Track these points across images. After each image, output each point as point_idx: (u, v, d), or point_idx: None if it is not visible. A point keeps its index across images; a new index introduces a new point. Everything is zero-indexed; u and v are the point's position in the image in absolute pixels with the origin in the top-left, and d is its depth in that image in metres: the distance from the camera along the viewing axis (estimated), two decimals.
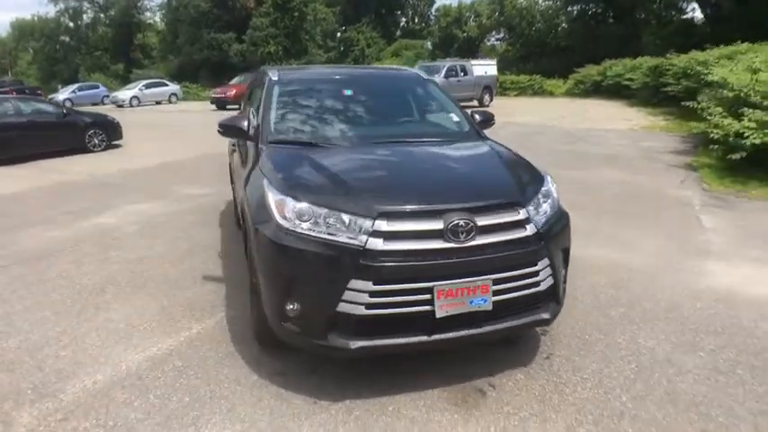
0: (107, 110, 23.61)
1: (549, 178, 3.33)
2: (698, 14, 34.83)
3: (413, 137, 3.97)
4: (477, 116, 4.40)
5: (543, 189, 3.17)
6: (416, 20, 60.95)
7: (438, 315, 2.69)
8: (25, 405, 2.92)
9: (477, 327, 2.82)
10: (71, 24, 58.76)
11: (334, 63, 46.46)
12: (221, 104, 26.44)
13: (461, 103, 4.77)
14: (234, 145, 5.14)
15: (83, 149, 12.76)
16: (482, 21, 49.33)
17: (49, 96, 31.77)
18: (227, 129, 4.02)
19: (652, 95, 20.87)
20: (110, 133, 13.57)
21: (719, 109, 9.37)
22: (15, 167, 10.94)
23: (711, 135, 8.92)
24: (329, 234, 2.72)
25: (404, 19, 61.27)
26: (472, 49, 46.10)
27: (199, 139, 14.54)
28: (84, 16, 58.61)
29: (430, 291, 2.67)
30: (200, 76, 43.94)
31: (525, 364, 3.21)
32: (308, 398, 2.90)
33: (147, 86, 34.27)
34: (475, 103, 23.14)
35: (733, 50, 15.67)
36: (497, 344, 3.36)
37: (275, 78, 4.38)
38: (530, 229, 2.88)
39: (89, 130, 13.03)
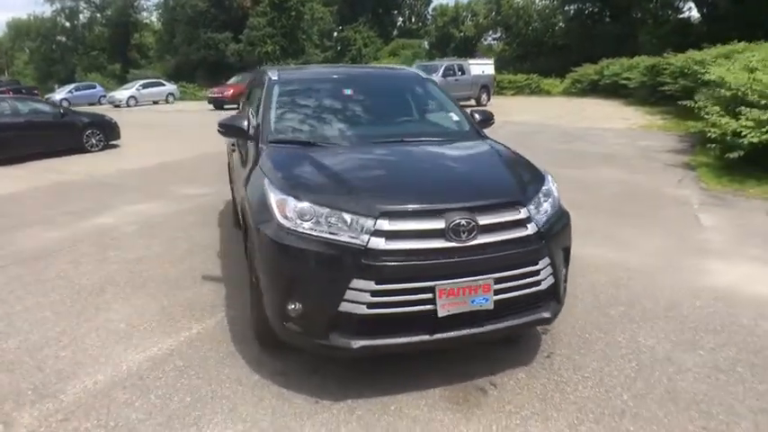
0: (104, 110, 23.55)
1: (549, 177, 3.34)
2: (694, 14, 34.97)
3: (413, 136, 3.96)
4: (476, 115, 4.41)
5: (544, 188, 3.17)
6: (413, 19, 60.93)
7: (440, 314, 2.70)
8: (26, 406, 2.92)
9: (478, 326, 2.82)
10: (67, 24, 58.52)
11: (331, 63, 46.42)
12: (219, 104, 26.39)
13: (459, 103, 4.77)
14: (233, 145, 5.13)
15: (80, 149, 12.74)
16: (479, 20, 49.32)
17: (46, 96, 31.60)
18: (227, 128, 4.02)
19: (649, 95, 20.91)
20: (107, 133, 13.55)
21: (717, 108, 9.41)
22: (13, 167, 10.91)
23: (709, 134, 8.95)
24: (331, 234, 2.72)
25: (401, 18, 61.27)
26: (469, 49, 46.07)
27: (197, 139, 14.53)
28: (81, 16, 58.41)
29: (432, 290, 2.67)
30: (197, 76, 43.83)
31: (526, 363, 3.21)
32: (309, 397, 2.90)
33: (145, 86, 34.18)
34: (472, 102, 23.14)
35: (730, 50, 15.69)
36: (498, 343, 3.36)
37: (275, 78, 4.37)
38: (531, 229, 2.89)
39: (87, 130, 13.01)
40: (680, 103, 12.62)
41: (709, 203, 6.82)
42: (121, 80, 44.44)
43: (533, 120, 17.22)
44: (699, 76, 13.14)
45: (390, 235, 2.67)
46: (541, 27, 42.11)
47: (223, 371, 3.19)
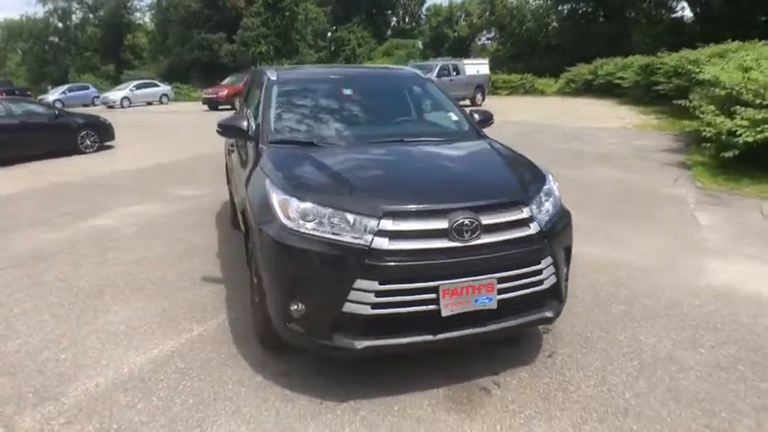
0: (98, 111, 23.49)
1: (550, 177, 3.35)
2: (687, 13, 35.13)
3: (414, 136, 3.96)
4: (476, 115, 4.42)
5: (545, 187, 3.18)
6: (407, 19, 61.00)
7: (443, 314, 2.70)
8: (27, 409, 2.90)
9: (481, 325, 2.82)
10: (60, 25, 58.23)
11: (325, 63, 46.40)
12: (213, 105, 26.37)
13: None
14: (232, 145, 5.11)
15: (75, 151, 12.69)
16: (473, 20, 49.45)
17: (39, 97, 31.52)
18: (226, 129, 4.01)
19: (643, 94, 20.99)
20: (102, 134, 13.48)
21: (712, 107, 9.45)
22: (7, 169, 10.85)
23: (704, 133, 9.00)
24: (334, 234, 2.71)
25: (394, 18, 61.35)
26: (463, 49, 46.21)
27: (192, 140, 14.48)
28: (74, 17, 58.16)
29: (435, 290, 2.67)
30: (190, 77, 43.73)
31: (528, 363, 3.22)
32: (313, 398, 2.90)
33: (138, 87, 34.05)
34: (467, 102, 23.19)
35: (724, 49, 15.77)
36: (500, 343, 3.37)
37: (274, 78, 4.36)
38: (533, 228, 2.89)
39: (81, 132, 12.95)
40: (674, 102, 12.67)
41: (706, 202, 6.86)
42: (115, 81, 44.25)
43: (530, 120, 17.26)
44: (693, 75, 13.20)
45: (394, 235, 2.67)
46: (535, 27, 42.24)
47: (225, 372, 3.18)
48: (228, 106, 24.93)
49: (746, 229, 5.72)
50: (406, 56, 45.54)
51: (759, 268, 4.65)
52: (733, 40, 16.83)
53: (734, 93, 8.92)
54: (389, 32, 58.60)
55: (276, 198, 2.93)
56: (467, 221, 2.70)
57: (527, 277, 2.88)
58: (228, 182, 6.10)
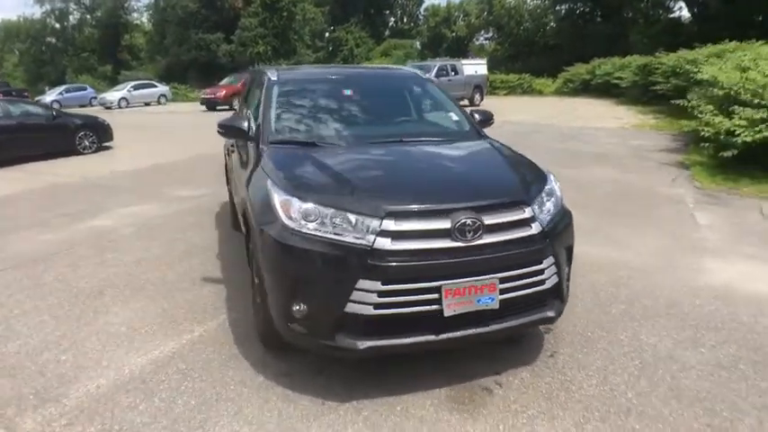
0: (95, 111, 23.45)
1: (551, 177, 3.35)
2: (685, 13, 35.22)
3: (414, 136, 3.97)
4: (476, 115, 4.42)
5: (547, 187, 3.19)
6: (405, 19, 61.05)
7: (446, 314, 2.70)
8: (28, 411, 2.89)
9: (484, 325, 2.83)
10: (57, 26, 58.12)
11: (323, 63, 46.43)
12: (211, 105, 26.32)
13: None
14: (232, 146, 5.11)
15: (73, 152, 12.64)
16: (471, 20, 49.46)
17: (36, 98, 31.42)
18: (226, 129, 4.01)
19: (641, 94, 21.04)
20: (100, 135, 13.44)
21: (710, 107, 9.46)
22: (5, 170, 10.81)
23: (702, 133, 9.01)
24: (336, 234, 2.71)
25: (392, 19, 61.38)
26: (461, 49, 46.21)
27: (190, 140, 14.44)
28: (71, 17, 58.02)
29: (438, 290, 2.67)
30: (188, 77, 43.66)
31: (530, 363, 3.22)
32: (315, 399, 2.89)
33: (136, 88, 33.96)
34: (466, 102, 23.19)
35: (722, 49, 15.81)
36: (502, 342, 3.37)
37: (274, 78, 4.36)
38: (535, 228, 2.90)
39: (79, 132, 12.91)
40: (672, 102, 12.68)
41: (704, 202, 6.87)
42: (112, 82, 44.17)
43: (528, 119, 17.28)
44: (691, 75, 13.21)
45: (396, 235, 2.66)
46: (533, 27, 42.32)
47: (227, 373, 3.17)
48: (226, 107, 24.93)
49: (745, 229, 5.73)
50: (404, 56, 45.59)
51: (758, 268, 4.66)
52: (730, 41, 16.87)
53: (732, 93, 8.93)
54: (387, 33, 58.64)
55: (278, 198, 2.92)
56: (469, 221, 2.70)
57: (529, 277, 2.88)
58: (228, 182, 6.09)
